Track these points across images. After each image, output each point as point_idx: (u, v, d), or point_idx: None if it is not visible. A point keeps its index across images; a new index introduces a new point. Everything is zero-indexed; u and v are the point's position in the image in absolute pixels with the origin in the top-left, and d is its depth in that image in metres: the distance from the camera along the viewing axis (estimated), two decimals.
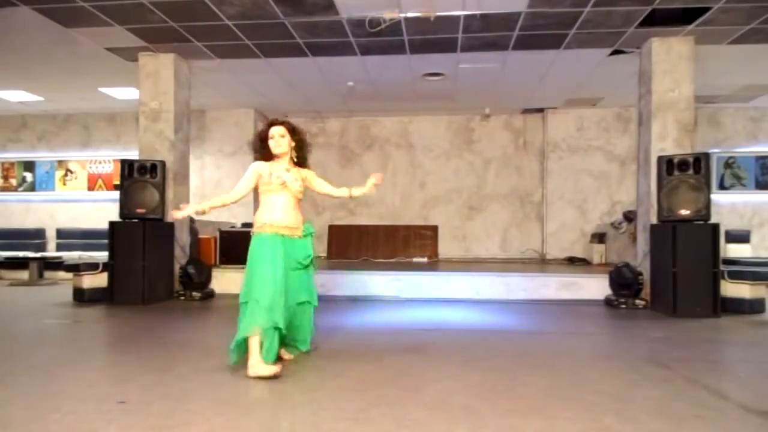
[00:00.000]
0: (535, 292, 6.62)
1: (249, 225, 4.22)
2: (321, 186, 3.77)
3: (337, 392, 2.90)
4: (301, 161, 3.69)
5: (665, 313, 5.60)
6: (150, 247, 6.21)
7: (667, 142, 6.36)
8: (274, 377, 3.12)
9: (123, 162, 6.46)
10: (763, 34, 6.26)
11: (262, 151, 3.60)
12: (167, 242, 6.69)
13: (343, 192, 3.77)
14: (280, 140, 3.56)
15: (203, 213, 3.48)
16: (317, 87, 8.62)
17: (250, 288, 3.32)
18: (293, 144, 3.62)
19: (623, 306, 6.07)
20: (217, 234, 7.80)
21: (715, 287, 5.44)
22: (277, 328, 3.29)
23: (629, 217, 8.58)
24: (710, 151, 8.38)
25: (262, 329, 3.23)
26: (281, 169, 3.55)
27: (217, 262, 7.61)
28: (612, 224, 9.15)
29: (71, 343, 4.42)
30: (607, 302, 6.27)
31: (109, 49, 6.88)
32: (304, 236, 3.61)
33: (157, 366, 3.46)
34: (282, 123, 3.62)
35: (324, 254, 10.12)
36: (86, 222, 10.26)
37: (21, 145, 10.69)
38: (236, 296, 3.52)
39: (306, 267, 3.62)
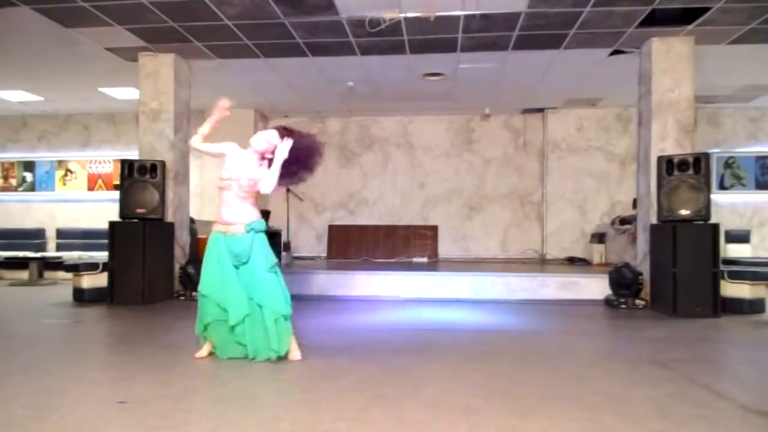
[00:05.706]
0: (535, 292, 6.62)
1: None
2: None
3: (337, 392, 2.90)
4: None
5: (665, 313, 5.60)
6: (150, 247, 6.20)
7: (667, 142, 6.36)
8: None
9: (123, 162, 6.46)
10: (763, 34, 6.25)
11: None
12: (167, 242, 6.69)
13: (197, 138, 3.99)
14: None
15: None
16: (317, 87, 8.62)
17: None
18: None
19: (623, 306, 6.07)
20: None
21: (715, 287, 5.43)
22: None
23: (628, 220, 8.52)
24: (710, 151, 8.35)
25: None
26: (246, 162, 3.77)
27: None
28: (612, 224, 9.14)
29: (71, 343, 4.43)
30: (607, 302, 6.27)
31: (109, 49, 6.88)
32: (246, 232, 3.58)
33: (157, 366, 3.46)
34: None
35: (324, 254, 10.11)
36: (86, 222, 10.25)
37: (21, 145, 10.69)
38: None
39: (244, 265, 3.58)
